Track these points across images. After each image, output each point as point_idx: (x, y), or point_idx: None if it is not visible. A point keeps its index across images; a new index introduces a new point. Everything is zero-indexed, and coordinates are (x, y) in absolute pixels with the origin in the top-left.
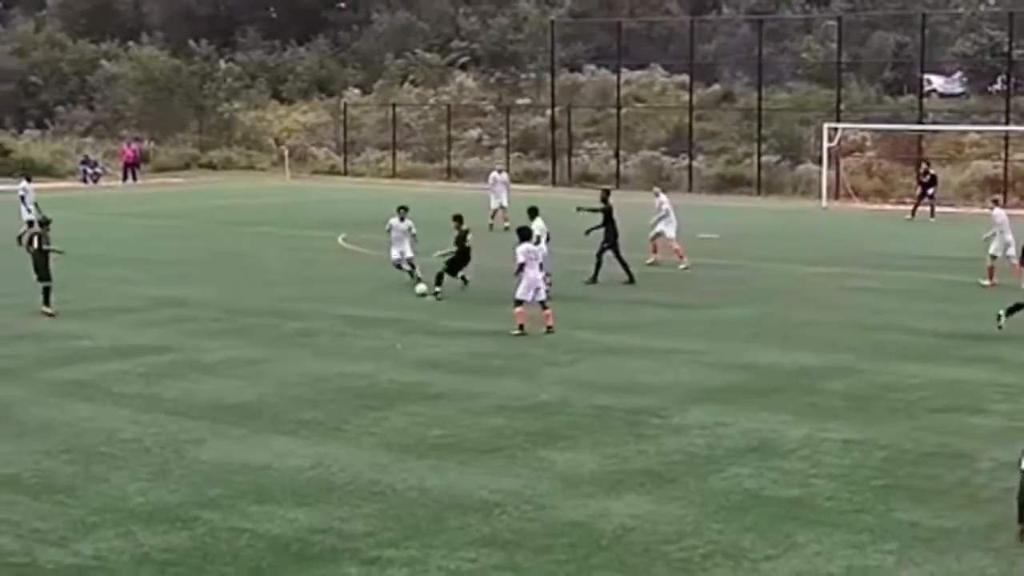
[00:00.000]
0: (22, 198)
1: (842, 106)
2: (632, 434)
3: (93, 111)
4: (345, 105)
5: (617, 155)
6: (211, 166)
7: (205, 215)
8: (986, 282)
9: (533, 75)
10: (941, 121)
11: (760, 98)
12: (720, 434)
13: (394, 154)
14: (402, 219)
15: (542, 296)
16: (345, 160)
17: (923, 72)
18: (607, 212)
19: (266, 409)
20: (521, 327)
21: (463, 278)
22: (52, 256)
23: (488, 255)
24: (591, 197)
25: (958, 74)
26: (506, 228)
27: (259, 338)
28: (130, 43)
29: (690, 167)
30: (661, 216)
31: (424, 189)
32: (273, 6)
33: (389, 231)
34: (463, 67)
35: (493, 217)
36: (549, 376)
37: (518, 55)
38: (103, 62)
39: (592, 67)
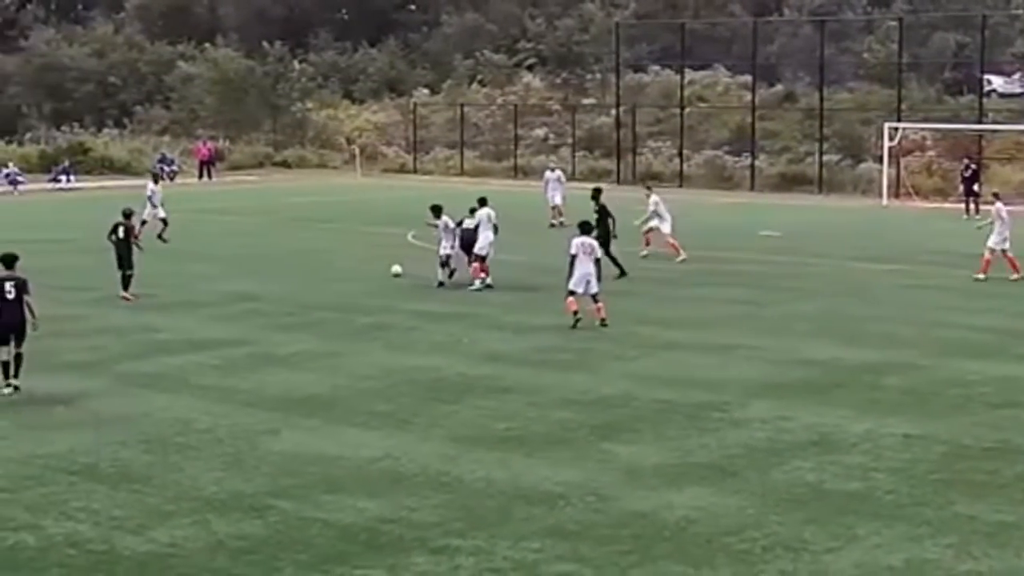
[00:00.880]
0: (149, 198)
1: (903, 106)
2: (694, 428)
3: (170, 110)
4: (415, 105)
5: (680, 154)
6: (284, 164)
7: (278, 212)
8: (980, 275)
9: (598, 75)
10: (1001, 121)
11: (822, 98)
12: (781, 428)
13: (462, 152)
14: (437, 217)
15: (594, 289)
16: (414, 158)
17: (983, 72)
18: (601, 211)
19: (337, 401)
20: (575, 314)
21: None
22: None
23: (552, 252)
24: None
25: (1018, 74)
26: (561, 224)
27: (331, 332)
28: (206, 45)
29: (752, 166)
30: (651, 215)
31: (491, 187)
32: (345, 8)
33: (446, 227)
34: (530, 68)
35: (561, 215)
36: (613, 370)
37: (583, 56)
38: (179, 63)
39: (656, 67)
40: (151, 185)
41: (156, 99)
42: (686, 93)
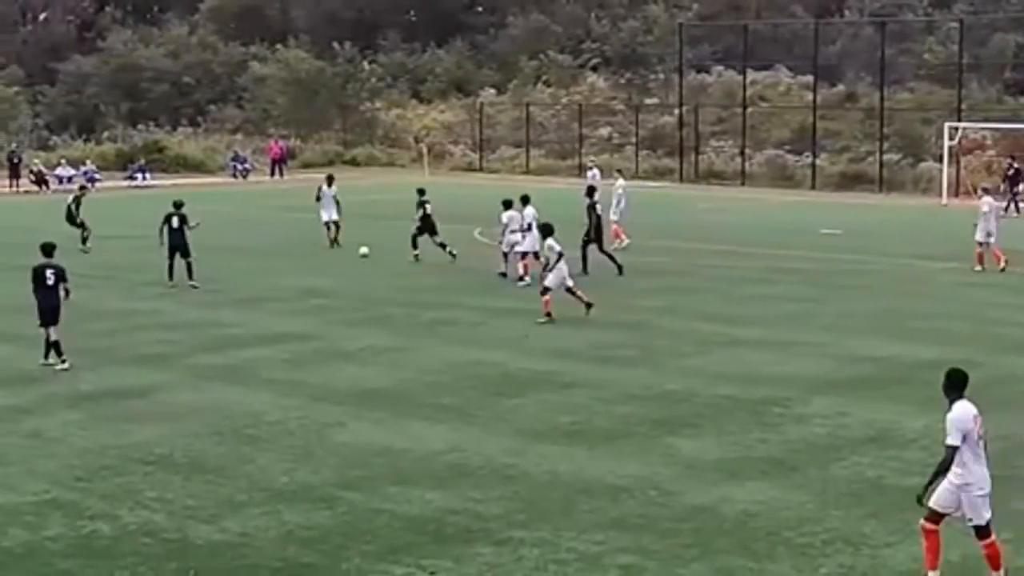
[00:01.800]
0: (318, 199)
1: (963, 106)
2: (755, 423)
3: (242, 110)
4: (481, 104)
5: (743, 153)
6: (354, 162)
7: (348, 209)
8: (978, 267)
9: (662, 75)
10: None
11: (882, 98)
12: (841, 424)
13: (527, 151)
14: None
15: (568, 283)
16: (481, 157)
17: None
18: (591, 208)
19: (404, 395)
20: (549, 315)
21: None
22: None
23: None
24: (718, 194)
25: None
26: None
27: (398, 327)
28: (277, 46)
29: (813, 165)
30: (616, 201)
31: (556, 185)
32: (413, 10)
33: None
34: (594, 68)
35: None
36: (675, 366)
37: (647, 56)
38: (252, 63)
39: (719, 68)
40: (324, 187)
41: (229, 99)
42: (748, 93)
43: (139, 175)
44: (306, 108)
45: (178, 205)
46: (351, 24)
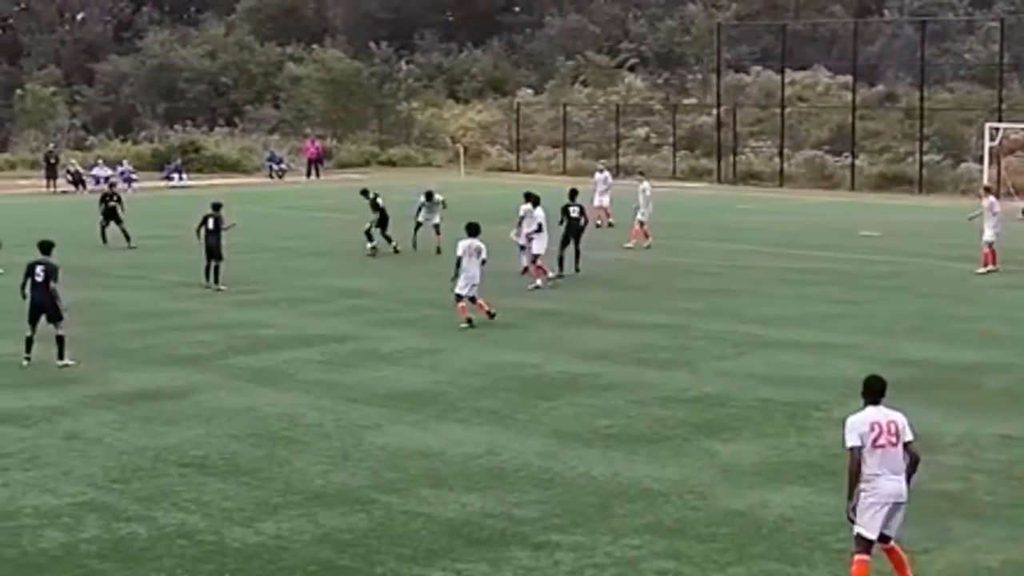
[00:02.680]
0: (419, 209)
1: (1004, 106)
2: (793, 426)
3: (279, 110)
4: (518, 104)
5: (781, 153)
6: (390, 163)
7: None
8: (987, 268)
9: (699, 76)
10: None
11: (922, 98)
12: None
13: (564, 152)
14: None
15: (474, 292)
16: (517, 157)
17: None
18: (580, 210)
19: (440, 397)
20: (469, 321)
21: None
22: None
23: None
24: (756, 195)
25: None
26: (609, 225)
27: (434, 328)
28: (314, 46)
29: (852, 165)
30: (644, 202)
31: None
32: (450, 10)
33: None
34: (631, 68)
35: (608, 216)
36: (713, 369)
37: (685, 56)
38: (288, 64)
39: (757, 68)
40: (422, 199)
41: (266, 99)
42: (787, 93)
43: (175, 175)
44: (342, 108)
45: (216, 207)
46: (388, 24)
